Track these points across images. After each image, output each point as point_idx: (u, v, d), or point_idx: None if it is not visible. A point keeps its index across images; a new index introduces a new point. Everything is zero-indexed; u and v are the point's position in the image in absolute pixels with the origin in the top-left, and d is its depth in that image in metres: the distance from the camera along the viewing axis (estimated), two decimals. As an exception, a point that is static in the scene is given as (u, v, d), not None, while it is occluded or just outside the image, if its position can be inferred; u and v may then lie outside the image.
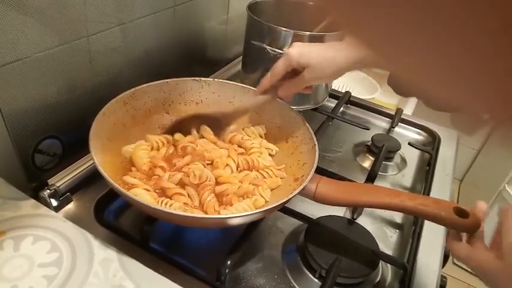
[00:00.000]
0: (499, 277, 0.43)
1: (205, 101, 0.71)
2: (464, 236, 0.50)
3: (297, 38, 0.78)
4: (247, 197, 0.58)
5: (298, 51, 0.57)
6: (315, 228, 0.59)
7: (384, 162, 0.79)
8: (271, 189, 0.61)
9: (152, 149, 0.63)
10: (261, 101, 0.66)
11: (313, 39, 0.79)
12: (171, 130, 0.68)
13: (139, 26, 0.69)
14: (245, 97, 0.70)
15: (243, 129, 0.70)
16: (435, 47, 0.13)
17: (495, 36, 0.12)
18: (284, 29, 0.77)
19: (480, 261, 0.45)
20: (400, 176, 0.81)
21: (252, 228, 0.56)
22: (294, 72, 0.59)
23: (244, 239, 0.55)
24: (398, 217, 0.70)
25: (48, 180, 0.59)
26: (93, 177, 0.63)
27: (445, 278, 0.62)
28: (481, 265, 0.45)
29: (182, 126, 0.68)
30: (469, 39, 0.13)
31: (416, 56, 0.15)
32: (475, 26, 0.12)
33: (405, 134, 0.94)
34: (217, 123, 0.70)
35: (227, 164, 0.62)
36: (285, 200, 0.50)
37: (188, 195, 0.57)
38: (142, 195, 0.54)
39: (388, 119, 0.95)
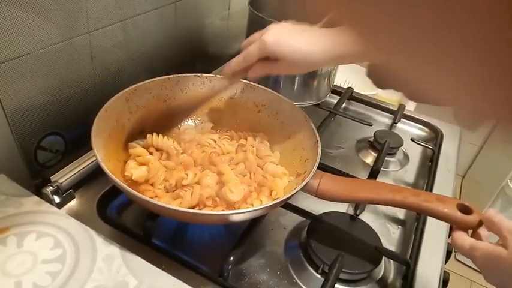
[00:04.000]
0: (505, 263, 0.42)
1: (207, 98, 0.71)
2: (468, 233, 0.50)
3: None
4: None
5: (275, 40, 0.54)
6: (317, 225, 0.59)
7: (386, 158, 0.79)
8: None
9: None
10: (226, 84, 0.65)
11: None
12: (143, 130, 0.64)
13: (141, 22, 0.69)
14: (247, 93, 0.70)
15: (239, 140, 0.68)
16: (437, 45, 0.13)
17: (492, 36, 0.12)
18: (286, 24, 0.77)
19: (484, 249, 0.44)
20: (402, 172, 0.81)
21: (254, 224, 0.56)
22: (267, 57, 0.57)
23: (247, 235, 0.55)
24: (401, 213, 0.70)
25: (50, 177, 0.59)
26: (96, 173, 0.63)
27: (448, 273, 0.62)
28: (486, 253, 0.44)
29: (157, 125, 0.65)
30: (467, 37, 0.13)
31: (421, 53, 0.15)
32: (474, 26, 0.12)
33: (408, 130, 0.94)
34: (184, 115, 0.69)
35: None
36: (287, 196, 0.50)
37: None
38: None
39: (391, 115, 0.95)
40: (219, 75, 0.71)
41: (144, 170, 0.57)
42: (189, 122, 0.71)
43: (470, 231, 0.50)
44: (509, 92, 0.14)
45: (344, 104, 0.96)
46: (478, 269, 0.46)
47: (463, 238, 0.48)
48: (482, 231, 0.48)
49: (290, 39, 0.54)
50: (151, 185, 0.57)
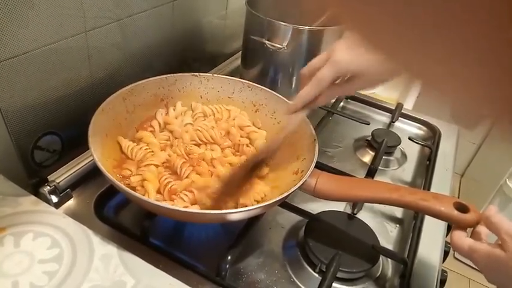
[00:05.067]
0: (503, 266, 0.42)
1: (205, 97, 0.71)
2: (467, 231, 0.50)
3: (297, 33, 0.78)
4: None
5: (348, 58, 0.49)
6: (315, 224, 0.59)
7: (384, 157, 0.79)
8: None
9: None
10: (299, 119, 0.56)
11: (313, 33, 0.79)
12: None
13: (138, 21, 0.69)
14: (245, 93, 0.70)
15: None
16: (436, 44, 0.13)
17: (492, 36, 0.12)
18: (283, 23, 0.77)
19: (483, 251, 0.44)
20: (400, 170, 0.81)
21: (252, 223, 0.56)
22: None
23: (244, 234, 0.55)
24: (398, 212, 0.70)
25: (48, 177, 0.59)
26: (93, 173, 0.63)
27: (446, 272, 0.62)
28: (485, 255, 0.44)
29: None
30: (467, 36, 0.13)
31: (421, 52, 0.15)
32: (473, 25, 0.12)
33: (405, 128, 0.94)
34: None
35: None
36: (285, 195, 0.50)
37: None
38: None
39: (389, 114, 0.95)
40: (216, 75, 0.71)
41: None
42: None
43: (469, 229, 0.50)
44: (509, 91, 0.14)
45: (342, 103, 0.96)
46: (477, 268, 0.46)
47: (462, 239, 0.47)
48: (482, 229, 0.48)
49: (361, 54, 0.49)
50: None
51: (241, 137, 0.66)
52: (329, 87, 0.51)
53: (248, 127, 0.67)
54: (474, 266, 0.46)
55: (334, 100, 0.92)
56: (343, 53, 0.49)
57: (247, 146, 0.65)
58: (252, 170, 0.57)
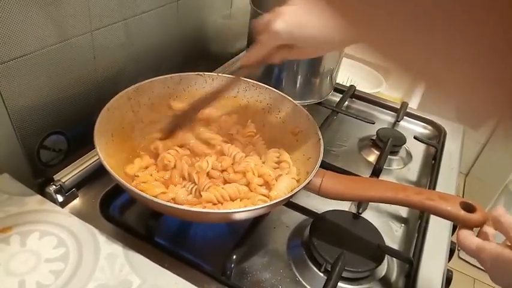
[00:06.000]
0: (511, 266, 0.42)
1: (210, 96, 0.71)
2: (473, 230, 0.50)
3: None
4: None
5: (286, 28, 0.49)
6: (320, 223, 0.59)
7: (389, 156, 0.79)
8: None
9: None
10: (245, 73, 0.60)
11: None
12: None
13: (143, 21, 0.69)
14: (250, 92, 0.70)
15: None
16: (440, 44, 0.13)
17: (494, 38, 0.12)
18: (288, 22, 0.77)
19: (491, 250, 0.43)
20: (405, 170, 0.80)
21: (257, 223, 0.56)
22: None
23: (249, 233, 0.55)
24: (403, 211, 0.69)
25: (53, 176, 0.59)
26: (99, 172, 0.63)
27: (451, 272, 0.61)
28: (493, 255, 0.43)
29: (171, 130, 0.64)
30: (471, 36, 0.13)
31: (423, 52, 0.15)
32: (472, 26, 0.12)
33: (410, 127, 0.93)
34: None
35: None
36: (290, 195, 0.50)
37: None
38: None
39: (393, 113, 0.95)
40: (221, 74, 0.71)
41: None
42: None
43: (475, 229, 0.49)
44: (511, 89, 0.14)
45: (347, 102, 0.96)
46: (481, 268, 0.45)
47: (469, 239, 0.47)
48: (489, 229, 0.47)
49: (302, 26, 0.49)
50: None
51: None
52: (277, 50, 0.53)
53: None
54: (479, 266, 0.46)
55: (338, 99, 0.92)
56: (283, 23, 0.49)
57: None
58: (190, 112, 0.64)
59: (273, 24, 0.50)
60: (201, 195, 0.54)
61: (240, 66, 0.59)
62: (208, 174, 0.58)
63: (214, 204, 0.54)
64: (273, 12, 0.52)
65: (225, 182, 0.58)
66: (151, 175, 0.58)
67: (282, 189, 0.55)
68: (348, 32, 0.47)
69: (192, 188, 0.56)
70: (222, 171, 0.59)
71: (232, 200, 0.55)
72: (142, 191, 0.53)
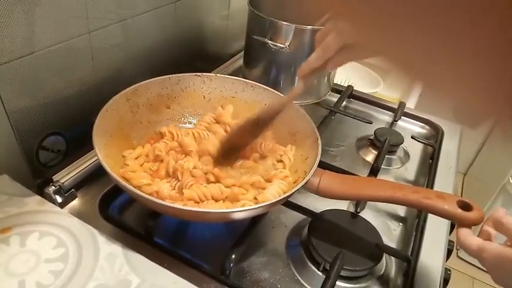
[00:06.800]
0: None
1: (208, 97, 0.71)
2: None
3: (299, 32, 0.78)
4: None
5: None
6: (318, 222, 0.60)
7: (386, 156, 0.79)
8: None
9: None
10: (303, 86, 0.57)
11: (315, 33, 0.79)
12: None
13: (141, 22, 0.69)
14: (247, 92, 0.70)
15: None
16: (440, 44, 0.14)
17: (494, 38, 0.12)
18: (285, 23, 0.77)
19: (494, 250, 0.43)
20: (403, 169, 0.81)
21: (255, 222, 0.56)
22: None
23: (248, 233, 0.55)
24: (401, 210, 0.70)
25: (52, 177, 0.60)
26: (98, 173, 0.63)
27: (449, 271, 0.62)
28: (495, 255, 0.43)
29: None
30: (471, 36, 0.13)
31: (423, 52, 0.15)
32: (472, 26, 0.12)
33: (408, 127, 0.94)
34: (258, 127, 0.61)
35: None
36: (288, 194, 0.50)
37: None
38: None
39: (391, 113, 0.95)
40: (219, 75, 0.71)
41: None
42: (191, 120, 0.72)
43: (474, 228, 0.49)
44: (510, 88, 0.14)
45: (344, 102, 0.96)
46: (481, 267, 0.45)
47: (469, 239, 0.47)
48: (490, 229, 0.47)
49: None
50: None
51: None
52: (337, 54, 0.52)
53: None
54: (478, 265, 0.46)
55: (336, 99, 0.92)
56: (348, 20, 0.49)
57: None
58: (251, 129, 0.61)
59: (338, 24, 0.49)
60: (183, 192, 0.55)
61: (298, 76, 0.56)
62: (191, 172, 0.58)
63: (196, 202, 0.54)
64: (330, 23, 0.52)
65: (209, 182, 0.59)
66: (141, 165, 0.59)
67: (268, 196, 0.55)
68: None
69: (175, 184, 0.57)
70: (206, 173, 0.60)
71: (215, 200, 0.55)
72: (128, 179, 0.54)
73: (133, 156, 0.60)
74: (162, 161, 0.61)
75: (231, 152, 0.62)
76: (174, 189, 0.56)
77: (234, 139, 0.62)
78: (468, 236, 0.47)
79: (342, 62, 0.53)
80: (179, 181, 0.57)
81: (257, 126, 0.61)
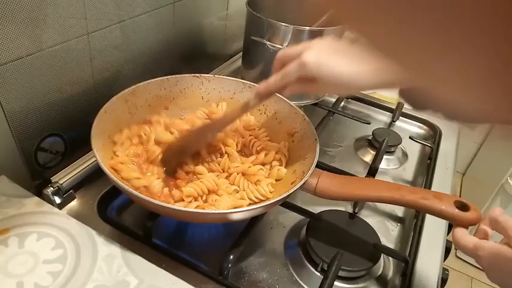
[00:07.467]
0: (510, 264, 0.42)
1: (206, 97, 0.71)
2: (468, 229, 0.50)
3: (297, 33, 0.78)
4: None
5: (316, 62, 0.49)
6: (316, 223, 0.60)
7: (385, 156, 0.79)
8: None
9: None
10: (257, 102, 0.59)
11: (313, 34, 0.79)
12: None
13: (139, 23, 0.69)
14: (246, 93, 0.70)
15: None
16: (440, 42, 0.14)
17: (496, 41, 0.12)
18: (284, 24, 0.77)
19: (490, 248, 0.43)
20: (401, 170, 0.81)
21: (254, 223, 0.56)
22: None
23: (246, 233, 0.55)
24: (399, 211, 0.70)
25: (51, 178, 0.60)
26: (96, 174, 0.63)
27: (447, 271, 0.62)
28: (492, 253, 0.43)
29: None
30: (472, 33, 0.13)
31: (420, 51, 0.15)
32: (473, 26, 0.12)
33: (406, 127, 0.94)
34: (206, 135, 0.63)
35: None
36: (286, 195, 0.50)
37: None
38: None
39: (389, 113, 0.95)
40: (217, 75, 0.71)
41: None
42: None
43: (470, 228, 0.49)
44: (510, 85, 0.14)
45: (342, 103, 0.96)
46: (479, 267, 0.45)
47: (465, 237, 0.47)
48: (487, 229, 0.47)
49: (332, 62, 0.49)
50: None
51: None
52: (295, 82, 0.53)
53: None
54: (477, 265, 0.46)
55: (334, 100, 0.92)
56: (314, 55, 0.50)
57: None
58: (202, 135, 0.62)
59: (304, 54, 0.50)
60: (182, 190, 0.55)
61: (255, 93, 0.57)
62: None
63: (195, 198, 0.55)
64: (303, 44, 0.52)
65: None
66: (127, 155, 0.59)
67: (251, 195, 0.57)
68: (373, 78, 0.47)
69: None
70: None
71: (213, 192, 0.57)
72: (118, 170, 0.54)
73: (122, 140, 0.60)
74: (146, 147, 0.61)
75: (178, 155, 0.61)
76: (167, 186, 0.57)
77: (183, 143, 0.62)
78: (464, 235, 0.47)
79: (297, 91, 0.54)
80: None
81: (209, 133, 0.62)
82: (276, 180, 0.61)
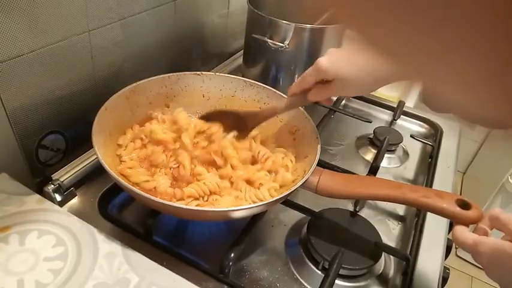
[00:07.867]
0: (511, 259, 0.42)
1: (207, 95, 0.71)
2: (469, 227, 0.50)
3: (298, 31, 0.78)
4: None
5: (328, 65, 0.53)
6: (317, 221, 0.60)
7: (386, 154, 0.79)
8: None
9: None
10: (291, 105, 0.62)
11: (315, 32, 0.79)
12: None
13: (140, 20, 0.69)
14: (247, 91, 0.70)
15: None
16: (439, 40, 0.13)
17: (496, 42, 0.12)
18: (285, 22, 0.77)
19: (491, 244, 0.43)
20: (402, 168, 0.81)
21: (255, 221, 0.56)
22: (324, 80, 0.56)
23: (247, 231, 0.55)
24: (400, 209, 0.70)
25: (52, 175, 0.60)
26: (97, 171, 0.63)
27: (448, 269, 0.62)
28: (493, 248, 0.43)
29: (209, 119, 0.65)
30: (472, 33, 0.13)
31: (420, 51, 0.15)
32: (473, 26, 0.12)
33: (407, 126, 0.94)
34: (241, 123, 0.64)
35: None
36: (287, 193, 0.50)
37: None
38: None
39: (390, 112, 0.95)
40: (218, 73, 0.71)
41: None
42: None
43: (470, 227, 0.49)
44: (509, 84, 0.14)
45: (344, 101, 0.96)
46: (479, 266, 0.45)
47: (465, 234, 0.47)
48: (486, 227, 0.47)
49: (342, 65, 0.53)
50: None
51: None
52: (317, 86, 0.57)
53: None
54: (477, 264, 0.45)
55: (335, 98, 0.92)
56: (328, 59, 0.54)
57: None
58: (239, 122, 0.64)
59: (319, 59, 0.55)
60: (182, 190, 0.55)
61: (288, 95, 0.62)
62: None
63: (196, 198, 0.55)
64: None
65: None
66: (131, 159, 0.59)
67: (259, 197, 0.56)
68: (381, 74, 0.51)
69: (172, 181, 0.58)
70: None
71: (215, 193, 0.56)
72: (126, 176, 0.54)
73: (127, 143, 0.60)
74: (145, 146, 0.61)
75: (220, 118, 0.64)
76: (171, 185, 0.57)
77: (230, 115, 0.65)
78: (463, 232, 0.47)
79: (320, 97, 0.58)
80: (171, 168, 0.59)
81: (244, 122, 0.64)
82: (281, 187, 0.59)
